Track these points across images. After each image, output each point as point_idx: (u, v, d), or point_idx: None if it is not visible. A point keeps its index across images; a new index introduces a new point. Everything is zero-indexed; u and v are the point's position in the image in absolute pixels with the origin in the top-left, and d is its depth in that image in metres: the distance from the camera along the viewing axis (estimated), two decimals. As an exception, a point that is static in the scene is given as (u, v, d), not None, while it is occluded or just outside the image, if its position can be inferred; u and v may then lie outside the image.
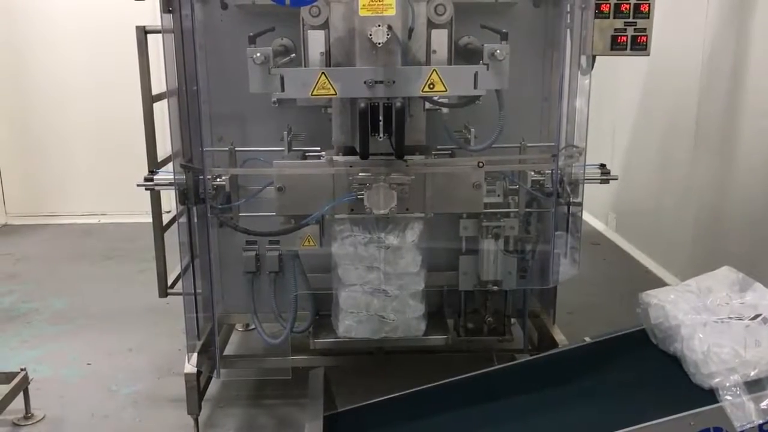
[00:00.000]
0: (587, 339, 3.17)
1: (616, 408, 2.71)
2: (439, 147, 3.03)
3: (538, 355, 3.27)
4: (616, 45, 2.85)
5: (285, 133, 2.89)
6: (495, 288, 3.25)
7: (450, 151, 3.02)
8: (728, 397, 2.49)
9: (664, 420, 2.49)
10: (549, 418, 2.77)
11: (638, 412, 2.56)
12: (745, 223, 4.26)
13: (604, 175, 3.11)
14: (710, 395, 2.54)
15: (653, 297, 2.93)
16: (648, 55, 2.92)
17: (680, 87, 4.98)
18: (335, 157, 2.83)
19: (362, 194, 2.74)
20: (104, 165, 6.86)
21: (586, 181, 2.94)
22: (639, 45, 2.86)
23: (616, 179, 3.14)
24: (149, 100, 3.30)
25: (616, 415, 2.60)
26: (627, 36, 2.85)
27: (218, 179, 2.89)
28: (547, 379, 2.98)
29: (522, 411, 2.84)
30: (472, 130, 2.91)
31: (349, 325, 3.11)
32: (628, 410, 2.63)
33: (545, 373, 3.07)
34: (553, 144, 2.95)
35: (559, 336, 3.39)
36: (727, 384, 2.52)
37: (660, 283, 5.16)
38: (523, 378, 3.07)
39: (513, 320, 3.53)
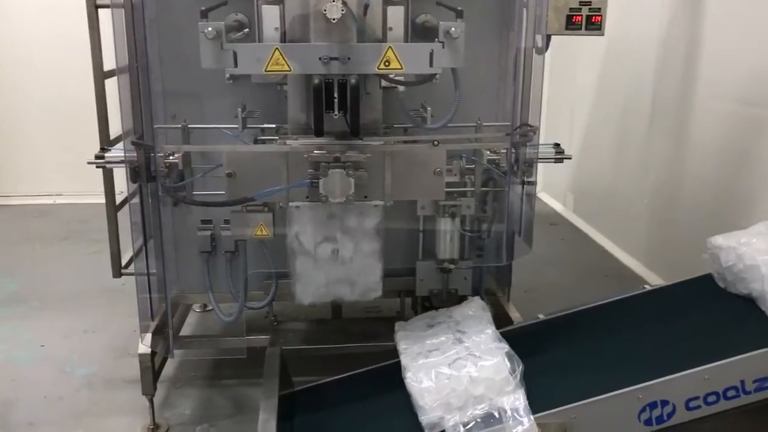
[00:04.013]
0: (541, 316, 3.21)
1: (697, 347, 2.74)
2: (395, 125, 3.02)
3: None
4: (570, 24, 2.88)
5: (239, 110, 2.85)
6: (451, 266, 3.27)
7: (404, 129, 3.01)
8: None
9: (751, 354, 2.53)
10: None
11: (721, 350, 2.59)
12: (698, 203, 4.35)
13: (559, 154, 3.14)
14: None
15: (723, 241, 2.98)
16: (602, 35, 2.95)
17: (636, 69, 5.04)
18: (289, 141, 2.79)
19: (317, 181, 2.70)
20: (59, 145, 6.72)
21: (540, 160, 2.97)
22: (593, 25, 2.89)
23: (570, 158, 3.16)
24: (101, 76, 3.24)
25: (701, 352, 2.62)
26: (582, 15, 2.88)
27: (171, 157, 2.84)
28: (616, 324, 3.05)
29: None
30: (429, 109, 2.91)
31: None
32: (710, 349, 2.64)
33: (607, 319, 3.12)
34: (508, 123, 2.97)
35: (514, 314, 3.43)
36: None
37: (615, 263, 5.28)
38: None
39: (469, 298, 3.56)
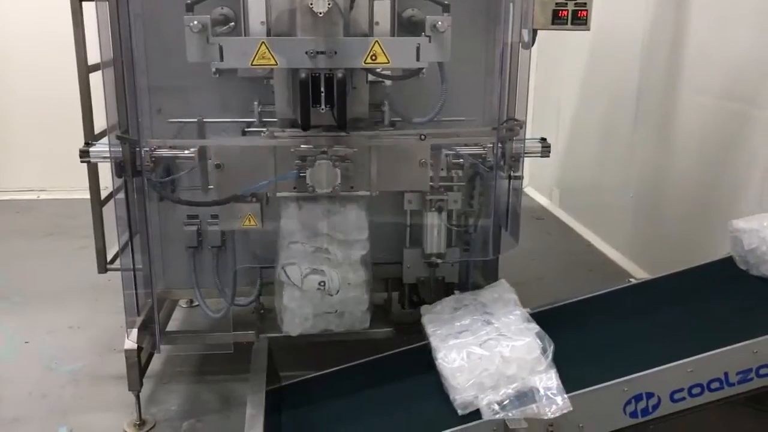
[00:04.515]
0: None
1: (723, 329, 2.74)
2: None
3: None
4: (557, 19, 2.90)
5: (255, 104, 2.86)
6: (438, 261, 3.27)
7: (393, 124, 3.01)
8: None
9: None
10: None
11: (749, 331, 2.60)
12: (683, 197, 4.39)
13: (545, 148, 3.15)
14: None
15: (745, 224, 3.02)
16: (588, 29, 2.97)
17: (621, 64, 5.07)
18: (276, 132, 2.79)
19: (305, 172, 2.71)
20: (43, 140, 6.66)
21: (526, 154, 2.98)
22: (579, 19, 2.91)
23: (555, 152, 3.17)
24: (85, 71, 3.21)
25: (729, 334, 2.62)
26: (568, 10, 2.90)
27: (155, 151, 2.83)
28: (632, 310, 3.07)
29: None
30: (386, 103, 2.92)
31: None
32: (739, 330, 2.64)
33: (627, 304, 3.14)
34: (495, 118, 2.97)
35: (501, 308, 3.43)
36: None
37: (600, 257, 5.31)
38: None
39: (457, 292, 3.56)
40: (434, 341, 2.83)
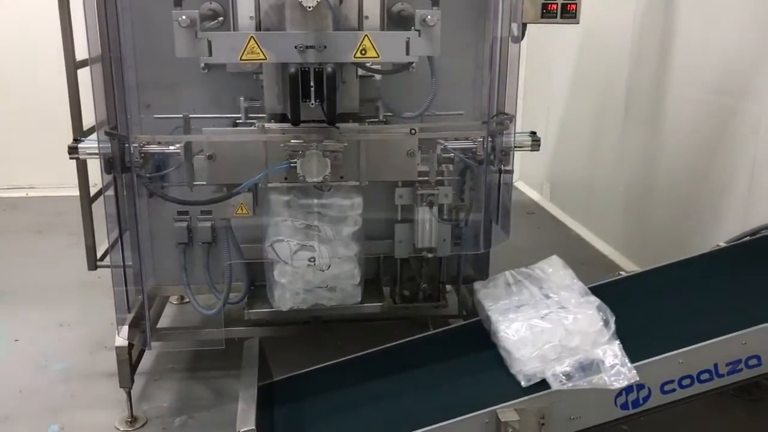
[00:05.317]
0: None
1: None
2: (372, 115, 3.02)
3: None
4: (546, 13, 2.91)
5: (241, 99, 2.88)
6: (430, 255, 3.27)
7: (384, 119, 3.01)
8: None
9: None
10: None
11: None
12: (672, 191, 4.41)
13: (535, 142, 3.15)
14: None
15: None
16: (577, 23, 2.97)
17: (611, 58, 5.08)
18: (267, 125, 2.79)
19: (295, 162, 2.72)
20: (32, 136, 6.61)
21: (516, 148, 2.98)
22: (569, 13, 2.92)
23: (546, 147, 3.18)
24: (73, 65, 3.18)
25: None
26: (557, 4, 2.91)
27: (144, 146, 2.81)
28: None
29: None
30: (380, 100, 2.94)
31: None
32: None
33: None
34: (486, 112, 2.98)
35: (493, 302, 3.44)
36: None
37: (592, 250, 5.33)
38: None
39: (448, 287, 3.58)
40: (494, 315, 2.84)
